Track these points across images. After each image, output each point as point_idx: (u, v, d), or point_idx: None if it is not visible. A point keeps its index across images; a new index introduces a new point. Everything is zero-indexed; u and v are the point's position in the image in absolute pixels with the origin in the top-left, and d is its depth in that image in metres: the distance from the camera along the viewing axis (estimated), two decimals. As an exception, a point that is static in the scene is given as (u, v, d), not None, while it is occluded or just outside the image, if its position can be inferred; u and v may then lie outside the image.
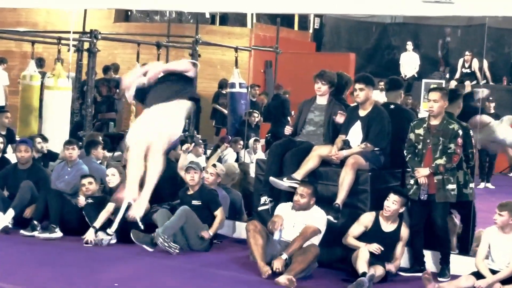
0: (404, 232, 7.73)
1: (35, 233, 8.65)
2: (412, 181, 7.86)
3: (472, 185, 8.07)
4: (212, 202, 8.63)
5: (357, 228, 7.71)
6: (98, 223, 8.47)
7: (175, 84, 6.85)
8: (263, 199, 8.19)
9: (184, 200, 8.64)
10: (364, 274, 7.20)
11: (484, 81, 17.56)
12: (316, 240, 7.66)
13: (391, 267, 7.57)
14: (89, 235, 8.38)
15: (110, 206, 8.52)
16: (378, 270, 7.38)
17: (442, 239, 7.89)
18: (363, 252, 7.43)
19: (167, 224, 8.18)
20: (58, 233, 8.67)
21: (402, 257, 7.77)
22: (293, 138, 8.48)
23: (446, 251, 7.91)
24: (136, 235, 8.32)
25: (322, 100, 8.42)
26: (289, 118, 13.61)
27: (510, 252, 7.27)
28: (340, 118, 8.17)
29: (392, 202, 7.66)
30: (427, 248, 8.01)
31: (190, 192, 8.64)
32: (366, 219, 7.76)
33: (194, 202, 8.53)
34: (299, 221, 7.70)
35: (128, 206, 6.70)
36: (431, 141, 7.76)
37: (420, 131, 7.85)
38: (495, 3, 7.74)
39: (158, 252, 8.17)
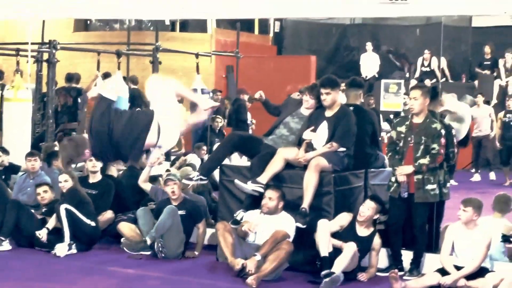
0: (377, 241, 7.71)
1: None
2: (393, 179, 7.78)
3: (449, 184, 7.98)
4: (197, 213, 8.54)
5: (332, 226, 7.62)
6: (50, 224, 8.50)
7: None
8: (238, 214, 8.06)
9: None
10: (325, 258, 7.25)
11: (444, 79, 17.73)
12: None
13: (363, 276, 7.59)
14: (42, 233, 8.42)
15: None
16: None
17: (418, 239, 7.83)
18: (323, 232, 7.43)
19: (157, 224, 8.15)
20: (5, 246, 8.58)
21: (376, 266, 7.75)
22: (260, 138, 8.45)
23: (419, 251, 7.86)
24: (127, 245, 8.48)
25: (305, 111, 8.38)
26: (249, 122, 13.73)
27: (474, 247, 7.34)
28: (307, 136, 8.05)
29: (367, 208, 7.68)
30: (404, 248, 7.97)
31: (174, 203, 8.43)
32: (343, 219, 7.73)
33: (179, 212, 8.34)
34: (268, 227, 7.70)
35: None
36: (412, 139, 7.68)
37: (402, 128, 7.78)
38: (449, 3, 7.80)
39: (123, 260, 8.16)
